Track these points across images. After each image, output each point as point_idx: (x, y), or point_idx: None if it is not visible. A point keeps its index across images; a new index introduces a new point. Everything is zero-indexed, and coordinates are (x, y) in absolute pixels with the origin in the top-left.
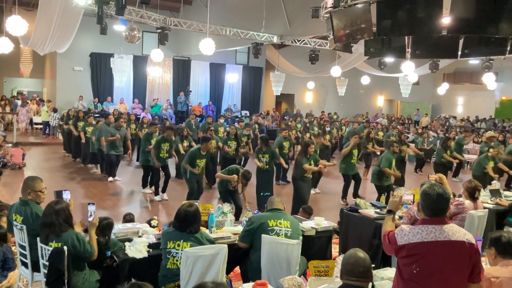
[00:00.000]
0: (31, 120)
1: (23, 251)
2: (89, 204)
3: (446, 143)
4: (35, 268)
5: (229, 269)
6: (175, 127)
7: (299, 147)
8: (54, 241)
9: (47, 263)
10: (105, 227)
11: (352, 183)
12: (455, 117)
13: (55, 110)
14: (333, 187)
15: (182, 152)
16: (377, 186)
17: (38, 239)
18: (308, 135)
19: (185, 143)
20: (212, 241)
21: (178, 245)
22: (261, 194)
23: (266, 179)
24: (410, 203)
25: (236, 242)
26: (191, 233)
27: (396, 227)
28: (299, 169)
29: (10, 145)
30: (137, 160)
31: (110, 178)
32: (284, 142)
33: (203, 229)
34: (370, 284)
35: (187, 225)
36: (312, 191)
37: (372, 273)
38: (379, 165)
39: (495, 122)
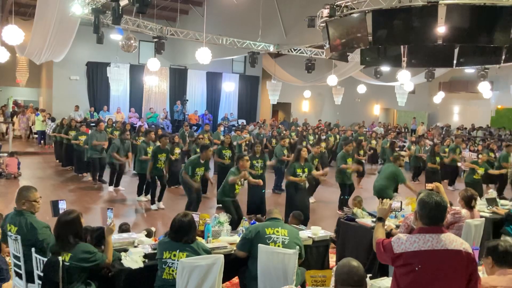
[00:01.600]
0: (30, 128)
1: (17, 262)
2: (108, 209)
3: (433, 149)
4: (30, 279)
5: (225, 279)
6: (169, 135)
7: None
8: (65, 251)
9: (41, 274)
10: (99, 237)
11: None
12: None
13: (53, 119)
14: (329, 196)
15: (175, 158)
16: (382, 197)
17: (33, 249)
18: (304, 143)
19: (177, 150)
20: (208, 251)
21: (174, 255)
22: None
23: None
24: (398, 210)
25: (233, 252)
26: (187, 243)
27: (392, 236)
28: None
29: (5, 154)
30: (134, 168)
31: (110, 188)
32: (283, 151)
33: (199, 239)
34: None
35: (182, 235)
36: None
37: (366, 282)
38: (394, 179)
39: (491, 131)
